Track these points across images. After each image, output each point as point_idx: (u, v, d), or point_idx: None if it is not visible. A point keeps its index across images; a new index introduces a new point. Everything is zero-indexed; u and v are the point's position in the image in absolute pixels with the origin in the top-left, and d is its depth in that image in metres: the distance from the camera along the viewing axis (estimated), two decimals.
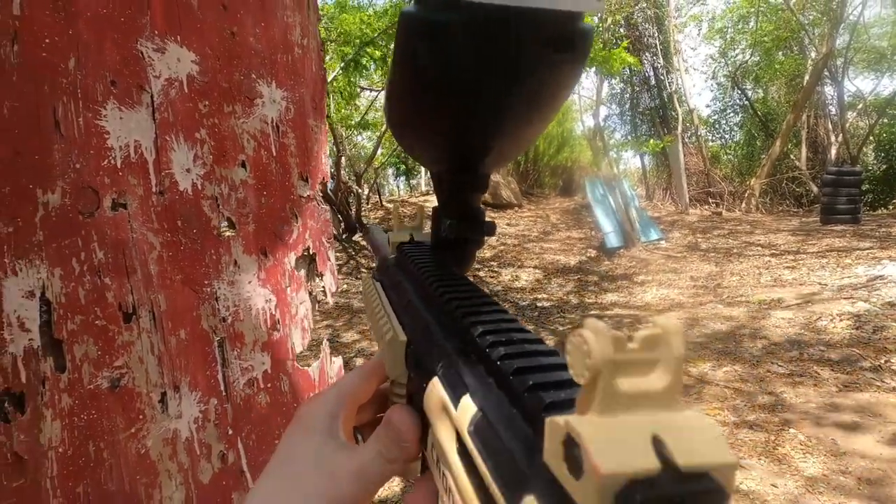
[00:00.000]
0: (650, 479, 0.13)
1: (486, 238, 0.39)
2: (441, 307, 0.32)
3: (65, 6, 0.64)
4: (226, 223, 0.81)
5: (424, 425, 0.31)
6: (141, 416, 0.69)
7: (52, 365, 0.61)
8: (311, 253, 0.94)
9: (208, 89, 0.79)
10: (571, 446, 0.14)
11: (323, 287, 0.98)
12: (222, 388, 0.80)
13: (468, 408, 0.23)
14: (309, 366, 0.94)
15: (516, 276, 6.96)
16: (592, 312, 5.46)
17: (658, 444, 0.14)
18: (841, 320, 4.13)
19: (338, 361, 1.01)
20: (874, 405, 2.95)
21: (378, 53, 6.97)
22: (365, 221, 9.57)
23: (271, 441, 0.87)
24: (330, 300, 1.01)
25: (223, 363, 0.80)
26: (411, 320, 0.35)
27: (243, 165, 0.83)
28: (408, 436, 0.31)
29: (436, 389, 0.27)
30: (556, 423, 0.15)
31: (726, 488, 0.14)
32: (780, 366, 3.56)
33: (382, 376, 0.39)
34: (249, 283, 0.84)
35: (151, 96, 0.72)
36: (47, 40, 0.63)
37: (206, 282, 0.78)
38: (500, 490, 0.18)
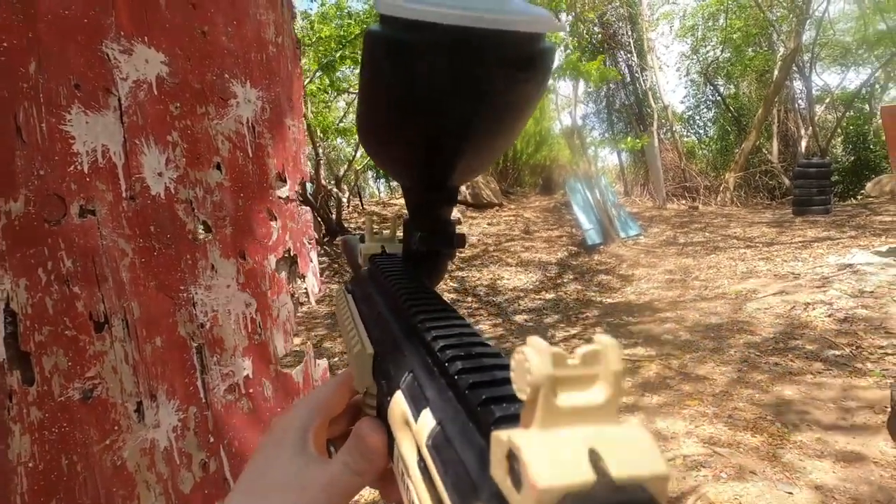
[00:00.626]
0: (585, 492, 0.13)
1: (456, 250, 0.39)
2: (408, 320, 0.32)
3: (24, 8, 0.62)
4: (202, 227, 0.79)
5: (391, 438, 0.31)
6: (116, 427, 0.67)
7: (20, 378, 0.59)
8: (291, 254, 0.93)
9: (179, 90, 0.77)
10: (513, 460, 0.15)
11: (305, 289, 0.97)
12: (202, 395, 0.78)
13: (427, 422, 0.23)
14: (293, 369, 0.93)
15: (498, 276, 6.98)
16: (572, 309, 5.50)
17: (594, 457, 0.14)
18: (814, 308, 4.23)
19: (322, 364, 0.99)
20: (848, 390, 3.02)
21: (351, 53, 6.94)
22: (346, 225, 9.51)
23: (254, 448, 0.85)
24: (313, 302, 1.00)
25: (202, 370, 0.78)
26: (380, 333, 0.35)
27: (218, 168, 0.82)
28: (375, 448, 0.32)
29: (398, 403, 0.27)
30: (499, 438, 0.15)
31: (659, 499, 0.14)
32: (756, 355, 3.63)
33: (354, 388, 0.39)
34: (228, 287, 0.82)
35: (119, 99, 0.70)
36: (5, 43, 0.60)
37: (181, 287, 0.76)
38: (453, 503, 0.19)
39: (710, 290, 5.50)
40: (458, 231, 0.38)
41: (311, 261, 0.96)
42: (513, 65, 0.27)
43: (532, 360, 0.15)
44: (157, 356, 0.73)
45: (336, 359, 4.41)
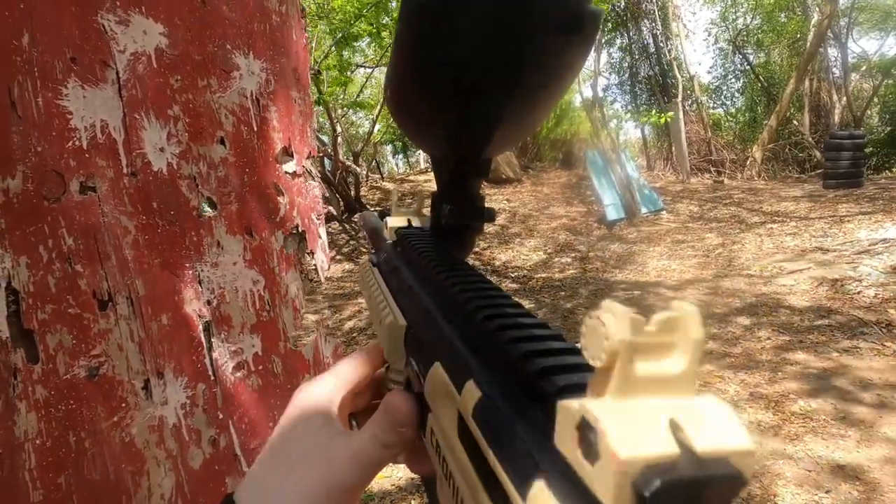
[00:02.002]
0: (668, 464, 0.13)
1: (485, 224, 0.39)
2: (442, 292, 0.31)
3: None
4: (206, 203, 0.78)
5: (422, 410, 0.30)
6: (123, 405, 0.67)
7: (24, 356, 0.59)
8: (300, 231, 0.91)
9: (179, 63, 0.75)
10: (586, 430, 0.14)
11: (314, 265, 0.96)
12: (210, 372, 0.78)
13: (472, 392, 0.22)
14: (303, 346, 0.92)
15: (517, 252, 6.93)
16: (593, 287, 5.44)
17: (675, 429, 0.14)
18: (843, 285, 4.11)
19: (333, 341, 0.99)
20: (876, 370, 2.94)
21: (367, 28, 6.81)
22: (364, 201, 9.52)
23: (265, 424, 0.85)
24: (322, 278, 0.99)
25: (210, 347, 0.78)
26: (411, 305, 0.35)
27: (222, 142, 0.80)
28: (405, 420, 0.31)
29: (438, 374, 0.27)
30: (569, 407, 0.15)
31: (744, 474, 0.13)
32: (782, 332, 3.56)
33: (378, 362, 0.39)
34: (234, 264, 0.81)
35: (117, 72, 0.68)
36: None
37: (187, 265, 0.75)
38: (507, 475, 0.18)
39: (735, 266, 5.38)
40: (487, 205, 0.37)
41: (321, 237, 0.94)
42: (559, 27, 0.25)
43: (609, 324, 0.14)
44: (164, 334, 0.72)
45: (357, 335, 4.46)
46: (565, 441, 0.15)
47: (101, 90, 0.67)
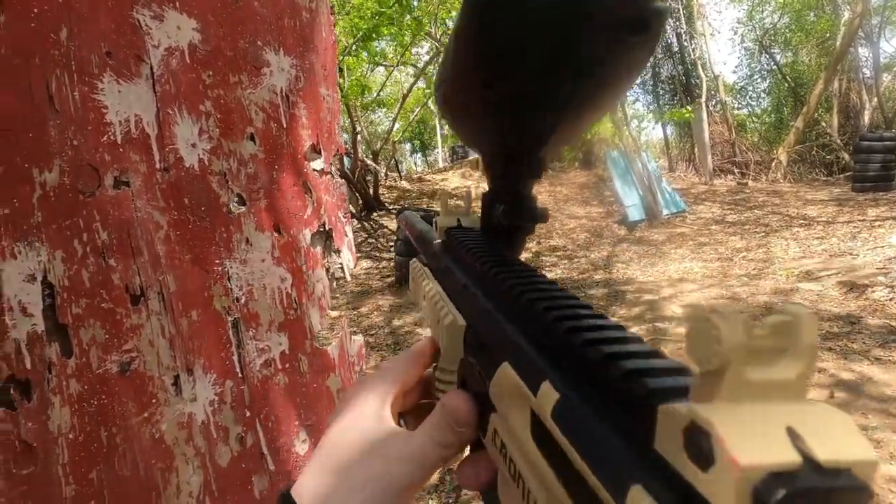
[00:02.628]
0: (791, 474, 0.12)
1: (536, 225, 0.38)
2: (501, 292, 0.31)
3: None
4: (236, 199, 0.78)
5: (483, 410, 0.30)
6: (154, 400, 0.67)
7: (59, 350, 0.59)
8: (326, 229, 0.91)
9: (212, 58, 0.74)
10: (697, 435, 0.14)
11: (340, 264, 0.95)
12: (238, 369, 0.77)
13: (549, 394, 0.22)
14: (329, 345, 0.92)
15: (538, 252, 6.89)
16: (617, 288, 5.38)
17: (794, 437, 0.13)
18: (874, 291, 3.99)
19: (358, 340, 0.98)
20: None
21: (388, 29, 6.82)
22: (383, 199, 9.55)
23: (291, 422, 0.85)
24: (349, 277, 0.98)
25: (238, 344, 0.77)
26: (468, 305, 0.35)
27: (252, 139, 0.79)
28: (464, 420, 0.31)
29: (508, 374, 0.26)
30: (675, 411, 0.15)
31: (870, 486, 0.13)
32: None
33: (428, 362, 0.39)
34: (263, 261, 0.81)
35: (151, 67, 0.68)
36: (36, 10, 0.59)
37: (217, 261, 0.75)
38: (599, 478, 0.18)
39: (760, 270, 5.27)
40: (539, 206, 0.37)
41: (347, 235, 0.93)
42: (624, 27, 0.25)
43: (722, 327, 0.14)
44: (194, 330, 0.72)
45: (376, 332, 4.47)
46: (669, 445, 0.15)
47: (136, 85, 0.67)
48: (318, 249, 0.89)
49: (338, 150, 0.91)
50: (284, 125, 0.83)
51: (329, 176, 0.89)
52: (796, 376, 0.15)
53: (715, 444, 0.13)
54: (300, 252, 0.85)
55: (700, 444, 0.13)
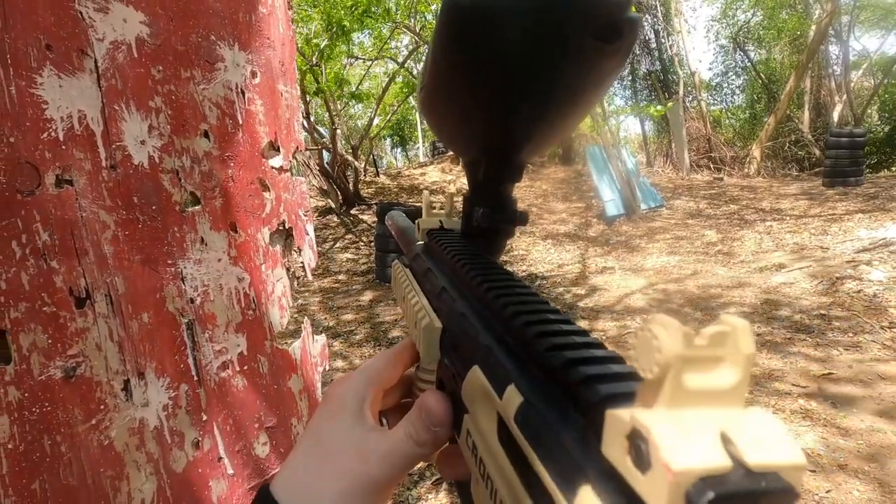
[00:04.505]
0: (721, 477, 0.13)
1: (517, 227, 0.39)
2: (477, 296, 0.32)
3: None
4: (189, 198, 0.76)
5: (458, 411, 0.31)
6: (102, 406, 0.65)
7: None
8: (286, 227, 0.89)
9: (161, 53, 0.72)
10: (637, 439, 0.14)
11: (302, 263, 0.94)
12: (193, 372, 0.75)
13: (513, 397, 0.23)
14: (290, 345, 0.90)
15: (516, 247, 6.91)
16: (591, 282, 5.43)
17: (727, 442, 0.14)
18: (843, 283, 4.09)
19: (321, 340, 0.97)
20: (876, 368, 2.93)
21: (370, 21, 6.74)
22: (362, 194, 9.48)
23: (251, 425, 0.83)
24: (310, 276, 0.97)
25: (193, 346, 0.76)
26: (445, 307, 0.35)
27: (206, 136, 0.77)
28: (439, 420, 0.32)
29: (476, 377, 0.27)
30: (619, 416, 0.15)
31: (796, 488, 0.13)
32: (782, 330, 3.54)
33: (409, 361, 0.40)
34: (219, 261, 0.79)
35: (95, 61, 0.65)
36: None
37: (169, 261, 0.73)
38: (552, 479, 0.18)
39: (734, 263, 5.37)
40: (519, 208, 0.38)
41: (308, 234, 0.92)
42: (598, 33, 0.26)
43: (662, 337, 0.15)
44: (145, 333, 0.70)
45: (355, 328, 4.44)
46: (614, 449, 0.15)
47: (79, 79, 0.64)
48: (278, 248, 0.87)
49: (298, 147, 0.90)
50: (240, 122, 0.81)
51: (288, 173, 0.88)
52: (733, 384, 0.15)
53: (651, 449, 0.13)
54: (259, 251, 0.83)
55: (640, 449, 0.14)
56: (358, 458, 0.32)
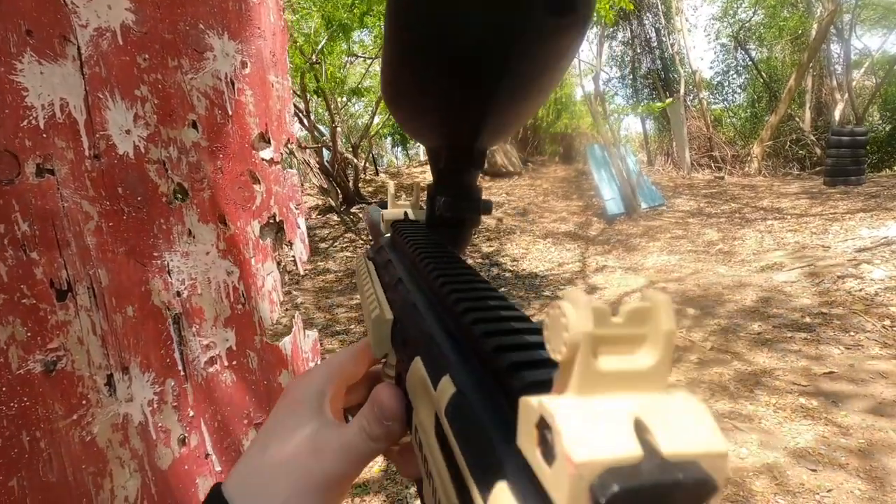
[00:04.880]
0: (630, 468, 0.12)
1: (482, 217, 0.38)
2: (429, 285, 0.31)
3: None
4: (176, 189, 0.74)
5: (411, 406, 0.30)
6: (84, 402, 0.64)
7: None
8: (277, 220, 0.87)
9: (148, 41, 0.71)
10: (544, 429, 0.13)
11: (293, 257, 0.92)
12: (180, 367, 0.74)
13: (447, 388, 0.21)
14: (280, 340, 0.89)
15: (516, 246, 6.90)
16: (592, 282, 5.41)
17: (640, 429, 0.13)
18: (844, 282, 4.08)
19: (312, 335, 0.95)
20: (876, 366, 2.91)
21: (371, 20, 6.72)
22: (364, 193, 9.46)
23: (239, 422, 0.82)
24: (301, 270, 0.95)
25: (180, 341, 0.74)
26: (400, 299, 0.34)
27: (194, 126, 0.76)
28: (391, 415, 0.31)
29: (417, 369, 0.26)
30: (529, 404, 0.14)
31: (716, 478, 0.12)
32: (783, 328, 3.53)
33: (372, 357, 0.39)
34: (207, 254, 0.77)
35: (78, 48, 0.64)
36: None
37: (155, 254, 0.71)
38: (472, 476, 0.17)
39: (735, 262, 5.35)
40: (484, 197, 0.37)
41: (299, 227, 0.90)
42: (550, 9, 0.25)
43: (570, 315, 0.13)
44: (129, 326, 0.68)
45: (354, 327, 4.43)
46: (526, 440, 0.14)
47: (61, 66, 0.63)
48: (269, 241, 0.85)
49: (289, 140, 0.88)
50: (230, 112, 0.79)
51: (279, 166, 0.86)
52: (652, 365, 0.14)
53: (556, 438, 0.12)
54: (248, 244, 0.82)
55: (547, 439, 0.13)
56: (312, 454, 0.32)
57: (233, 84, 0.80)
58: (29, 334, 0.59)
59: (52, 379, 0.61)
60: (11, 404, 0.57)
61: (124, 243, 0.68)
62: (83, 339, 0.63)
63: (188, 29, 0.75)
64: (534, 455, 0.13)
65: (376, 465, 2.43)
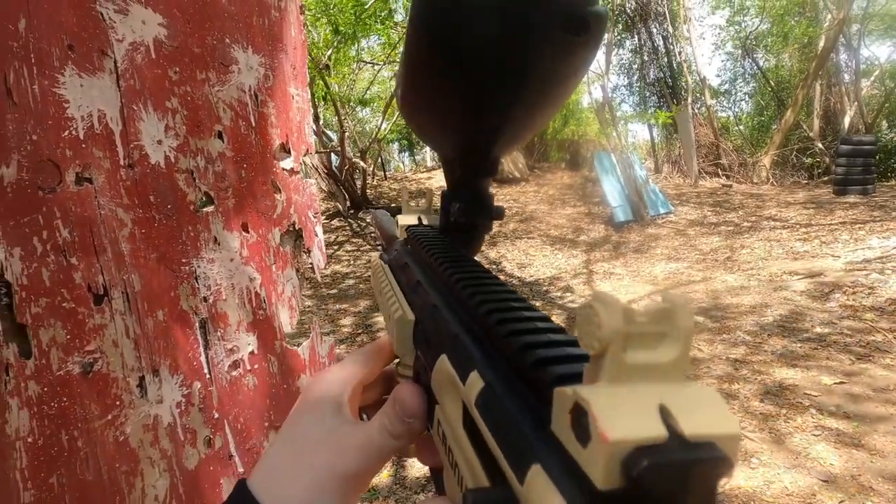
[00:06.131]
0: (656, 447, 0.14)
1: (494, 222, 0.40)
2: (449, 287, 0.32)
3: None
4: (203, 198, 0.77)
5: (431, 403, 0.31)
6: (118, 402, 0.66)
7: (17, 351, 0.58)
8: (296, 228, 0.90)
9: (178, 55, 0.73)
10: (579, 415, 0.15)
11: (311, 264, 0.94)
12: (206, 370, 0.76)
13: (475, 382, 0.23)
14: (298, 345, 0.91)
15: (522, 252, 6.91)
16: (599, 290, 5.40)
17: (665, 414, 0.14)
18: (854, 292, 4.06)
19: (328, 340, 0.97)
20: (888, 377, 2.90)
21: (378, 28, 6.78)
22: (370, 197, 9.51)
23: (260, 424, 0.84)
24: (319, 277, 0.97)
25: (206, 345, 0.76)
26: (419, 300, 0.36)
27: (220, 137, 0.78)
28: (413, 412, 0.32)
29: (444, 366, 0.27)
30: (564, 393, 0.16)
31: (730, 457, 0.14)
32: (792, 338, 3.52)
33: (388, 357, 0.40)
34: (231, 260, 0.80)
35: (115, 62, 0.67)
36: None
37: (183, 260, 0.74)
38: (507, 461, 0.19)
39: (742, 271, 5.33)
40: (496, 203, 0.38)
41: (317, 235, 0.93)
42: (565, 28, 0.26)
43: (602, 314, 0.15)
44: (160, 330, 0.71)
45: (361, 332, 4.45)
46: (560, 425, 0.16)
47: (99, 79, 0.65)
48: (288, 249, 0.88)
49: (308, 150, 0.91)
50: (253, 123, 0.82)
51: (299, 175, 0.89)
52: (673, 359, 0.16)
53: (591, 421, 0.14)
54: (269, 252, 0.84)
55: (581, 423, 0.15)
56: (334, 451, 0.33)
57: (256, 96, 0.82)
58: (68, 337, 0.62)
59: (88, 380, 0.63)
60: (52, 404, 0.60)
61: (155, 250, 0.70)
62: (118, 341, 0.66)
63: (215, 43, 0.78)
64: (569, 437, 0.15)
65: (385, 471, 2.44)
